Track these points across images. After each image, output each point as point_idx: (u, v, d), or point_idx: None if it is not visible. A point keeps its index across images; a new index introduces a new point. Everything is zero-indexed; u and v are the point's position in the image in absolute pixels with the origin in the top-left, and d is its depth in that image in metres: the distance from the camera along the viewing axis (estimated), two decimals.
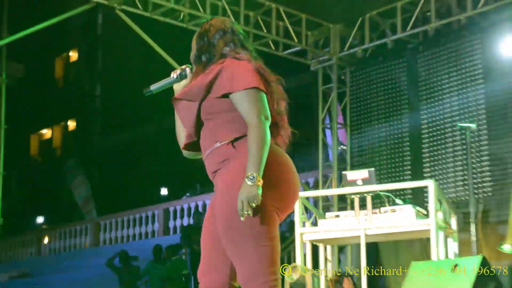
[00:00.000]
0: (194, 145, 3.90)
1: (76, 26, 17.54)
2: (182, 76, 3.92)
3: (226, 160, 3.66)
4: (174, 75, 3.95)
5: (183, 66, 3.95)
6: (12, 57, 11.77)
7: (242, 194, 3.41)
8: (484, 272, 7.31)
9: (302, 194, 9.71)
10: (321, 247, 9.45)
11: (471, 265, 7.36)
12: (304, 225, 9.05)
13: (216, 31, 3.87)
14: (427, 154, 11.44)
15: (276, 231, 3.66)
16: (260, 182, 3.43)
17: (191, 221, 19.04)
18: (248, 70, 3.66)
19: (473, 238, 9.08)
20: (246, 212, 3.40)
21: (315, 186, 12.45)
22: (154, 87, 3.97)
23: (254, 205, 3.39)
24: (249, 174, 3.43)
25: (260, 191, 3.42)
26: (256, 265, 3.58)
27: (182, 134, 3.96)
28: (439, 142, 11.38)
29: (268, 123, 3.58)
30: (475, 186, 10.16)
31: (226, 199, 3.60)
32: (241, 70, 3.66)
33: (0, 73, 11.37)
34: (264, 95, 3.65)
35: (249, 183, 3.41)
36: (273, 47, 12.08)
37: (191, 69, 3.90)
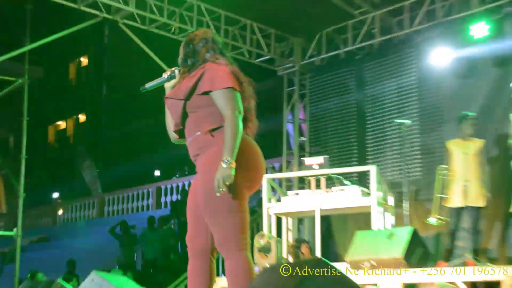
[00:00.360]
0: (180, 133, 3.94)
1: (87, 36, 17.44)
2: (171, 77, 3.98)
3: (205, 147, 3.75)
4: (165, 75, 4.00)
5: (173, 68, 3.98)
6: (33, 61, 11.51)
7: (218, 174, 3.51)
8: (414, 239, 7.23)
9: (269, 176, 9.72)
10: (283, 219, 9.42)
11: (404, 234, 7.31)
12: (270, 201, 9.01)
13: (200, 40, 3.94)
14: (371, 145, 11.44)
15: (246, 205, 3.76)
16: (233, 165, 3.53)
17: (179, 197, 19.03)
18: (226, 73, 3.76)
19: (406, 213, 9.04)
20: (221, 189, 3.49)
21: (280, 170, 12.37)
22: (148, 85, 4.03)
23: (228, 183, 3.50)
24: (225, 158, 3.53)
25: (233, 172, 3.52)
26: (229, 232, 3.67)
27: (170, 124, 3.98)
28: (380, 134, 11.36)
29: (241, 117, 3.69)
30: (408, 170, 10.11)
31: (206, 178, 3.67)
32: (220, 72, 3.74)
33: (23, 75, 11.28)
34: (238, 94, 3.78)
35: (224, 165, 3.51)
36: (247, 56, 11.94)
37: (179, 71, 3.91)
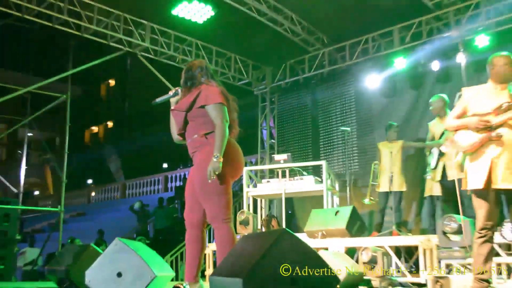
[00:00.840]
0: (181, 135, 4.04)
1: (114, 64, 17.30)
2: (175, 94, 4.06)
3: (200, 146, 3.82)
4: (170, 93, 4.05)
5: (176, 88, 4.07)
6: (74, 82, 11.45)
7: (210, 167, 3.63)
8: (354, 215, 7.23)
9: (248, 168, 9.65)
10: (258, 200, 9.36)
11: (346, 211, 7.30)
12: (248, 187, 8.97)
13: (197, 68, 4.00)
14: (322, 146, 11.46)
15: (230, 190, 3.84)
16: (221, 160, 3.65)
17: (182, 184, 18.93)
18: (217, 92, 3.86)
19: (348, 196, 9.04)
20: (212, 177, 3.61)
21: (256, 163, 12.32)
22: (158, 100, 4.09)
23: (217, 173, 3.62)
24: (215, 154, 3.65)
25: (221, 165, 3.63)
26: (218, 209, 3.75)
27: (174, 129, 4.07)
28: (328, 138, 11.38)
29: (227, 125, 3.80)
30: (349, 164, 10.15)
31: (201, 169, 3.72)
32: (212, 91, 3.83)
33: (66, 92, 11.18)
34: (225, 108, 3.83)
35: (214, 160, 3.64)
36: (231, 80, 11.87)
37: (181, 90, 3.99)
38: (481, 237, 4.13)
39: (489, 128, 4.13)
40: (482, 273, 4.13)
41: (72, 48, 11.43)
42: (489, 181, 4.09)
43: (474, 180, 4.17)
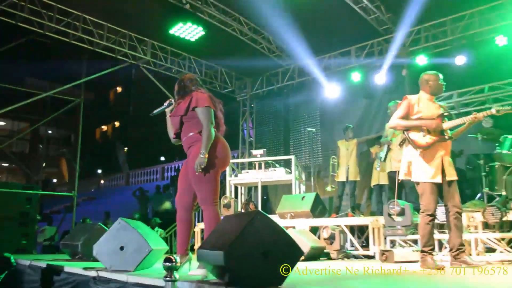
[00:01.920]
0: (177, 136, 3.93)
1: (121, 73, 17.12)
2: (169, 105, 3.98)
3: (196, 141, 3.73)
4: (165, 104, 3.99)
5: (170, 99, 4.02)
6: (87, 88, 11.29)
7: (197, 161, 3.59)
8: (317, 200, 7.23)
9: (231, 161, 9.57)
10: (239, 187, 9.30)
11: (311, 197, 7.30)
12: (231, 176, 8.91)
13: (188, 79, 3.95)
14: (292, 143, 11.49)
15: (218, 178, 3.75)
16: (206, 156, 3.60)
17: (176, 174, 18.80)
18: (206, 97, 3.82)
19: (312, 184, 9.04)
20: (199, 170, 3.58)
21: (237, 157, 12.27)
22: (155, 111, 4.03)
23: (202, 166, 3.58)
24: (201, 151, 3.60)
25: (205, 160, 3.59)
26: (207, 194, 3.68)
27: (171, 132, 4.01)
28: (297, 137, 11.40)
29: (213, 126, 3.73)
30: (314, 158, 10.13)
31: (194, 162, 3.63)
32: (202, 97, 3.78)
33: (80, 96, 11.07)
34: (213, 111, 3.77)
35: (201, 156, 3.59)
36: (218, 88, 11.83)
37: (174, 100, 3.96)
38: (432, 219, 4.21)
39: (439, 131, 4.27)
40: (431, 246, 4.23)
41: (86, 60, 11.28)
42: (442, 175, 4.25)
43: (428, 175, 4.24)
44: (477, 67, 8.36)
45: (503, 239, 5.43)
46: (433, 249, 4.25)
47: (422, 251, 4.25)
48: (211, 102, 3.80)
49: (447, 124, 4.31)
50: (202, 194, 3.69)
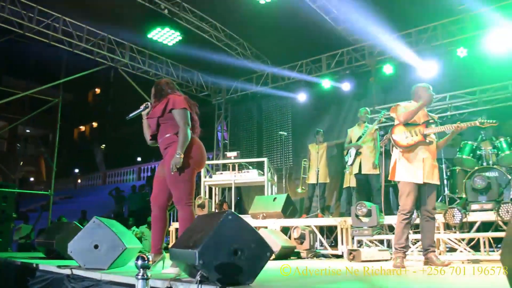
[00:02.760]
0: (153, 137, 3.89)
1: (99, 75, 16.84)
2: (145, 108, 3.90)
3: (173, 142, 3.67)
4: (141, 107, 3.91)
5: (146, 103, 3.95)
6: (66, 89, 11.05)
7: (173, 161, 3.54)
8: (288, 201, 7.24)
9: (206, 162, 9.51)
10: (213, 188, 9.22)
11: (282, 198, 7.31)
12: (206, 177, 8.82)
13: (165, 83, 3.90)
14: (265, 146, 11.43)
15: (194, 179, 3.71)
16: (182, 156, 3.56)
17: (151, 174, 18.56)
18: (182, 99, 3.74)
19: (284, 186, 9.05)
20: (174, 170, 3.53)
21: (212, 159, 12.19)
22: (131, 115, 3.92)
23: (178, 166, 3.53)
24: (177, 152, 3.56)
25: (181, 160, 3.54)
26: (182, 194, 3.62)
27: (147, 134, 3.93)
28: (270, 140, 11.36)
29: (189, 127, 3.68)
30: (285, 161, 10.16)
31: (170, 162, 3.59)
32: (178, 99, 3.72)
33: (58, 97, 10.83)
34: (189, 112, 3.72)
35: (177, 156, 3.54)
36: (194, 92, 11.76)
37: (150, 104, 3.90)
38: (406, 218, 4.28)
39: (422, 135, 4.39)
40: (404, 246, 4.30)
41: (65, 61, 11.04)
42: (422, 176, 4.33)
43: (410, 175, 4.32)
44: (440, 77, 8.52)
45: (463, 239, 5.53)
46: (404, 248, 4.30)
47: (395, 249, 4.34)
48: (187, 104, 3.77)
49: (430, 130, 4.43)
50: (177, 194, 3.64)
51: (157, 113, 3.76)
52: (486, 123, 4.30)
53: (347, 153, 7.75)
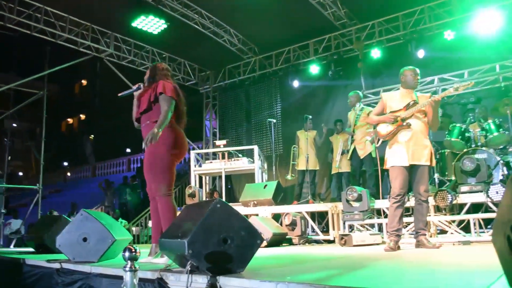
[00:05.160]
0: (137, 121, 3.86)
1: (86, 66, 16.61)
2: (138, 89, 3.86)
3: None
4: (134, 87, 3.88)
5: (139, 83, 3.89)
6: (51, 81, 10.83)
7: (149, 135, 3.45)
8: (278, 188, 7.25)
9: (195, 151, 9.49)
10: (203, 177, 9.21)
11: (273, 185, 7.35)
12: (195, 166, 8.81)
13: (162, 68, 3.84)
14: (254, 133, 11.33)
15: (173, 169, 3.66)
16: (160, 133, 3.47)
17: (141, 165, 18.46)
18: (171, 87, 3.68)
19: (274, 173, 9.04)
20: (148, 144, 3.46)
21: (201, 148, 12.12)
22: (123, 93, 3.90)
23: (153, 142, 3.44)
24: (155, 128, 3.46)
25: (158, 137, 3.45)
26: (160, 184, 3.59)
27: (134, 113, 3.88)
28: (259, 127, 11.25)
29: (171, 114, 3.60)
30: (276, 148, 10.10)
31: (150, 152, 3.63)
32: (168, 86, 3.68)
33: (43, 89, 10.63)
34: (174, 101, 3.67)
35: (155, 130, 3.44)
36: (182, 81, 11.63)
37: (143, 85, 3.86)
38: (396, 202, 4.32)
39: (400, 120, 4.46)
40: (396, 229, 4.34)
41: (48, 53, 10.83)
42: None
43: (395, 159, 4.40)
44: (428, 60, 8.51)
45: (453, 221, 5.56)
46: (397, 231, 4.35)
47: (387, 232, 4.45)
48: (175, 93, 3.72)
49: (405, 113, 4.47)
50: (156, 185, 3.62)
51: (146, 96, 3.72)
52: (461, 86, 4.31)
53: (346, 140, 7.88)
